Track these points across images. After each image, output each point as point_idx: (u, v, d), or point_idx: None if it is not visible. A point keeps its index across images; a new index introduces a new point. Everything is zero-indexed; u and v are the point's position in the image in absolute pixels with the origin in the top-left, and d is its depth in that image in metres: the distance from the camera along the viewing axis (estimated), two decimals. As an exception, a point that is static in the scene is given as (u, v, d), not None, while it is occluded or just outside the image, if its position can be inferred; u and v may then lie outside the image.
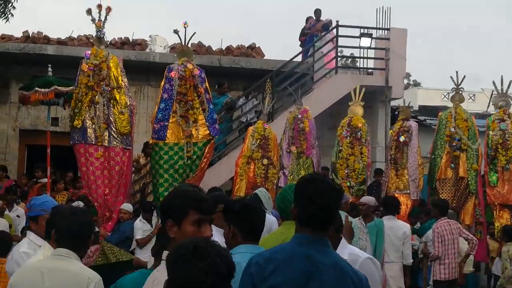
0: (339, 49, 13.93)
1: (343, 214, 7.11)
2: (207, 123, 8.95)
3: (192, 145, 8.83)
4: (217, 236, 4.74)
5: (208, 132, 8.97)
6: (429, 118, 14.87)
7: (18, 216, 8.98)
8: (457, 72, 9.99)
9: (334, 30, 13.51)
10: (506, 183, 9.48)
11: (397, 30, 13.48)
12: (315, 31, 14.10)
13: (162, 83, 8.96)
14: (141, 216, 8.71)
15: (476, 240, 8.22)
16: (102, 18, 8.73)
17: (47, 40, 13.32)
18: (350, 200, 8.41)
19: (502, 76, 9.89)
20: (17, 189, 10.04)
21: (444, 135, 9.77)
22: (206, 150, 8.96)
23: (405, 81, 20.45)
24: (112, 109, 8.70)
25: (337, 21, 13.47)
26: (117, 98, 8.71)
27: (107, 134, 8.66)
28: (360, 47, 13.85)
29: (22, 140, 13.25)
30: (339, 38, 13.44)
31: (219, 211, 4.88)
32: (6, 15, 10.97)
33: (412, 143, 10.00)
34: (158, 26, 67.43)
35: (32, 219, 4.27)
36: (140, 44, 13.76)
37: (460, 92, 9.99)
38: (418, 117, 14.54)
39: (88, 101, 8.59)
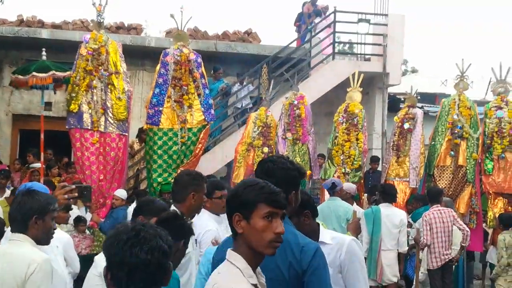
0: (336, 34, 13.80)
1: (351, 210, 7.09)
2: (202, 108, 8.88)
3: (186, 130, 8.77)
4: (212, 222, 4.68)
5: (203, 117, 8.91)
6: (426, 105, 14.78)
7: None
8: (462, 59, 9.91)
9: (332, 16, 13.39)
10: (501, 171, 9.39)
11: (395, 15, 13.34)
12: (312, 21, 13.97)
13: (158, 67, 8.87)
14: (135, 203, 8.61)
15: (468, 230, 8.11)
16: (103, 2, 8.64)
17: (41, 24, 13.17)
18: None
19: (500, 62, 9.79)
20: (10, 173, 9.92)
21: (446, 121, 9.66)
22: (200, 136, 8.91)
23: (403, 68, 20.31)
24: (109, 94, 8.60)
25: (335, 7, 13.34)
26: (115, 83, 8.61)
27: (103, 120, 8.57)
28: (357, 33, 13.73)
29: (15, 124, 13.15)
30: (337, 24, 13.30)
31: (216, 197, 4.82)
32: (0, -1, 10.83)
33: (416, 130, 9.87)
34: (154, 10, 66.84)
35: None
36: (135, 29, 13.62)
37: (465, 79, 9.90)
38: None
39: (86, 85, 8.50)
